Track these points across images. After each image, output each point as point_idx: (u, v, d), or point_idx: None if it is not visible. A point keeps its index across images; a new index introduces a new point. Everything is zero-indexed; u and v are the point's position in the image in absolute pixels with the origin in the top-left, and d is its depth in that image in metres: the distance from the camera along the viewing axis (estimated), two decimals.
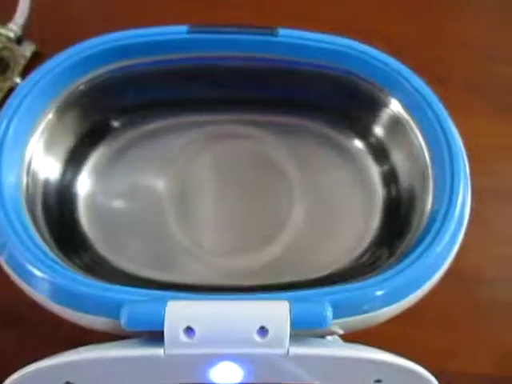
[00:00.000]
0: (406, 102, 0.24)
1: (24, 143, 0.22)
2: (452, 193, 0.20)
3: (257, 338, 0.17)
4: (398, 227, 0.23)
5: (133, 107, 0.26)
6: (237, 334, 0.17)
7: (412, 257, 0.20)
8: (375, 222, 0.24)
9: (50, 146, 0.23)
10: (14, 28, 0.35)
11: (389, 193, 0.25)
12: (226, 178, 0.26)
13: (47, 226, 0.21)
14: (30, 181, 0.22)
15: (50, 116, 0.23)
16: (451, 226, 0.20)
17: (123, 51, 0.24)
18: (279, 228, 0.25)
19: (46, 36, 0.37)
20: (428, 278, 0.20)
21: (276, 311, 0.17)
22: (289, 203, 0.25)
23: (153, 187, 0.25)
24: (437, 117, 0.22)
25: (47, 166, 0.23)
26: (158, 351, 0.17)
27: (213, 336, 0.17)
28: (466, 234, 0.21)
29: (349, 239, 0.24)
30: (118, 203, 0.25)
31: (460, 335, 0.28)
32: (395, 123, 0.24)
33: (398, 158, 0.25)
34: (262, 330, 0.17)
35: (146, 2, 0.38)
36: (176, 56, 0.24)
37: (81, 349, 0.17)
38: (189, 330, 0.17)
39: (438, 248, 0.20)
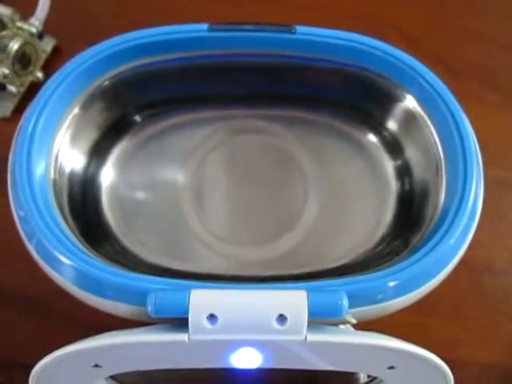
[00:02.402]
0: (421, 98, 0.24)
1: (52, 137, 0.23)
2: (465, 186, 0.21)
3: (276, 326, 0.18)
4: (411, 219, 0.24)
5: (154, 102, 0.27)
6: (257, 321, 0.18)
7: (425, 249, 0.21)
8: (389, 214, 0.25)
9: (75, 139, 0.24)
10: (35, 23, 0.36)
11: (402, 186, 0.25)
12: (243, 171, 0.26)
13: (72, 216, 0.22)
14: (57, 172, 0.23)
15: (76, 110, 0.24)
16: (464, 218, 0.21)
17: (146, 48, 0.24)
18: (295, 220, 0.25)
19: (66, 31, 0.38)
20: (440, 270, 0.21)
21: (294, 300, 0.18)
22: (304, 196, 0.26)
23: (172, 180, 0.26)
24: (450, 112, 0.23)
25: (73, 158, 0.24)
26: (183, 337, 0.18)
27: (234, 323, 0.18)
28: (479, 226, 0.22)
29: (363, 231, 0.25)
30: (139, 195, 0.25)
31: (470, 325, 0.29)
32: (410, 118, 0.25)
33: (411, 153, 0.25)
34: (281, 318, 0.18)
35: None
36: (196, 53, 0.25)
37: (108, 334, 0.18)
38: (212, 318, 0.18)
39: (451, 240, 0.21)
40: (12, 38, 0.34)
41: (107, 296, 0.19)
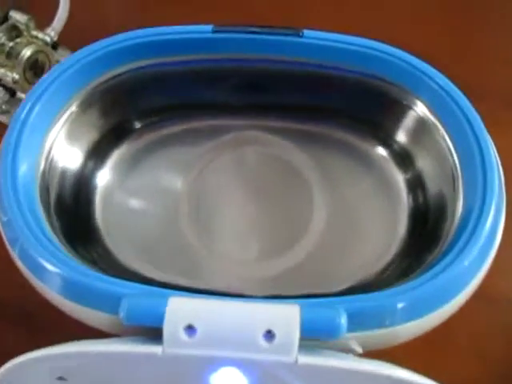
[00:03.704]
0: (433, 103, 0.22)
1: (45, 130, 0.22)
2: (484, 198, 0.19)
3: (262, 343, 0.16)
4: (425, 236, 0.21)
5: (155, 109, 0.25)
6: (241, 336, 0.16)
7: (438, 267, 0.18)
8: (401, 231, 0.23)
9: (72, 137, 0.23)
10: (51, 33, 0.36)
11: (415, 200, 0.23)
12: (245, 184, 0.25)
13: (58, 213, 0.21)
14: (47, 168, 0.22)
15: (74, 108, 0.23)
16: (483, 234, 0.18)
17: (147, 48, 0.23)
18: (299, 237, 0.23)
19: (82, 43, 0.38)
20: (456, 293, 0.19)
21: (285, 314, 0.16)
22: (310, 212, 0.24)
23: (170, 189, 0.24)
24: (466, 117, 0.21)
25: (68, 155, 0.23)
26: (156, 349, 0.16)
27: (215, 336, 0.16)
28: (500, 252, 0.20)
29: (373, 249, 0.23)
30: (135, 202, 0.24)
31: (492, 364, 0.26)
32: (420, 126, 0.23)
33: (423, 163, 0.23)
34: (269, 335, 0.16)
35: (178, 12, 0.38)
36: (199, 57, 0.24)
37: (75, 342, 0.16)
38: (190, 329, 0.16)
39: (468, 259, 0.18)
40: (26, 45, 0.34)
41: (80, 300, 0.17)
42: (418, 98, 0.23)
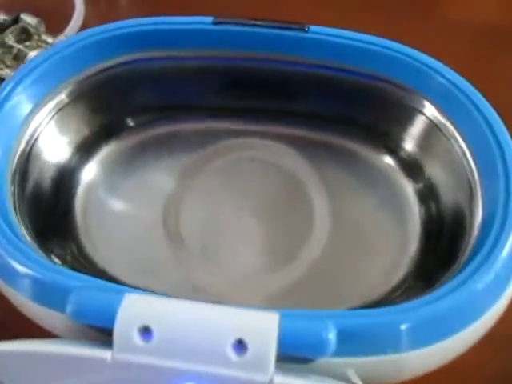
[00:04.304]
0: (443, 104, 0.20)
1: (27, 112, 0.20)
2: (507, 209, 0.16)
3: (231, 355, 0.13)
4: (440, 253, 0.19)
5: (148, 107, 0.24)
6: (205, 344, 0.13)
7: (451, 285, 0.16)
8: (412, 247, 0.20)
9: (61, 127, 0.22)
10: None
11: (427, 212, 0.21)
12: (241, 193, 0.22)
13: (32, 204, 0.19)
14: (26, 153, 0.20)
15: (63, 97, 0.22)
16: (505, 248, 0.16)
17: (143, 38, 0.22)
18: (297, 252, 0.21)
19: None
20: (472, 318, 0.16)
21: (260, 322, 0.13)
22: (310, 225, 0.21)
23: (159, 193, 0.22)
24: (483, 117, 0.18)
25: (53, 146, 0.21)
26: (105, 354, 0.13)
27: (174, 342, 0.13)
28: None
29: (380, 268, 0.20)
30: (119, 203, 0.22)
31: None
32: (430, 131, 0.21)
33: (435, 171, 0.21)
34: (240, 345, 0.13)
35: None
36: (197, 53, 0.22)
37: (15, 341, 0.14)
38: (145, 332, 0.13)
39: (486, 277, 0.15)
40: (34, 48, 0.33)
41: (23, 293, 0.15)
42: (426, 99, 0.21)
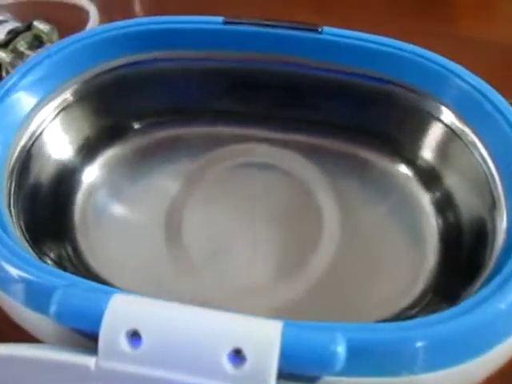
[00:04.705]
0: (462, 109, 0.19)
1: (30, 107, 0.19)
2: None
3: (227, 366, 0.12)
4: (461, 265, 0.17)
5: (155, 110, 0.23)
6: (199, 353, 0.12)
7: (475, 299, 0.14)
8: (430, 260, 0.19)
9: (65, 126, 0.21)
10: None
11: (445, 223, 0.19)
12: (248, 202, 0.21)
13: (29, 201, 0.18)
14: (28, 148, 0.19)
15: (68, 95, 0.21)
16: None
17: (152, 37, 0.21)
18: (304, 265, 0.20)
19: None
20: (497, 339, 0.14)
21: (260, 330, 0.12)
22: (319, 237, 0.20)
23: (162, 199, 0.21)
24: (506, 120, 0.17)
25: (57, 144, 0.21)
26: (88, 361, 0.12)
27: (164, 350, 0.12)
28: None
29: (395, 284, 0.19)
30: (120, 207, 0.21)
31: None
32: (447, 137, 0.20)
33: (452, 180, 0.20)
34: (237, 356, 0.12)
35: None
36: (207, 54, 0.22)
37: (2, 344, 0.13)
38: (133, 337, 0.12)
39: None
40: None
41: (6, 291, 0.14)
42: (443, 104, 0.20)
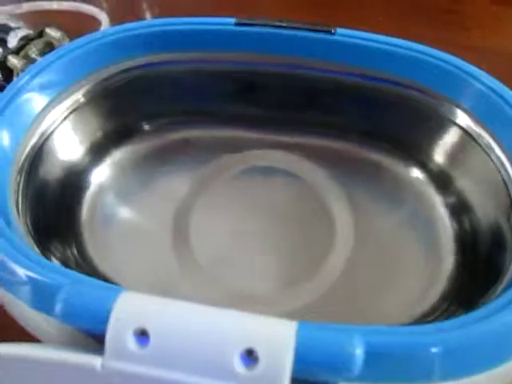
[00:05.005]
0: (478, 112, 0.19)
1: (41, 107, 0.19)
2: None
3: (238, 368, 0.11)
4: (480, 269, 0.17)
5: (166, 112, 0.23)
6: (208, 352, 0.11)
7: (496, 304, 0.13)
8: (447, 264, 0.18)
9: (76, 126, 0.21)
10: None
11: (461, 226, 0.19)
12: (257, 207, 0.21)
13: (35, 199, 0.18)
14: (38, 147, 0.19)
15: (80, 96, 0.21)
16: None
17: (164, 39, 0.21)
18: (316, 271, 0.19)
19: None
20: None
21: (274, 330, 0.11)
22: (331, 242, 0.20)
23: (169, 203, 0.21)
24: None
25: (67, 144, 0.20)
26: (94, 361, 0.11)
27: (172, 350, 0.11)
28: None
29: (410, 290, 0.18)
30: (128, 209, 0.21)
31: None
32: (462, 141, 0.19)
33: (468, 183, 0.19)
34: (249, 357, 0.11)
35: None
36: (217, 56, 0.21)
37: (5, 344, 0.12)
38: (141, 336, 0.11)
39: None
40: None
41: (11, 290, 0.13)
42: (458, 107, 0.19)
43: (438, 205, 0.20)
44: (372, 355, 0.12)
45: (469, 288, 0.17)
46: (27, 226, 0.17)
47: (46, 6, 0.38)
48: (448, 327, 0.13)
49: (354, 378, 0.12)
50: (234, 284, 0.19)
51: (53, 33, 0.34)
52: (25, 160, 0.18)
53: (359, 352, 0.12)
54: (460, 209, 0.19)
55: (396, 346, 0.13)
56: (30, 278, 0.13)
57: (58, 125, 0.20)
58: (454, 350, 0.13)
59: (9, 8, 0.38)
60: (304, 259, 0.20)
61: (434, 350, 0.13)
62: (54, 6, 0.39)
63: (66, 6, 0.38)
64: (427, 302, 0.18)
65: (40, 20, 0.36)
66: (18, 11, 0.38)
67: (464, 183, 0.19)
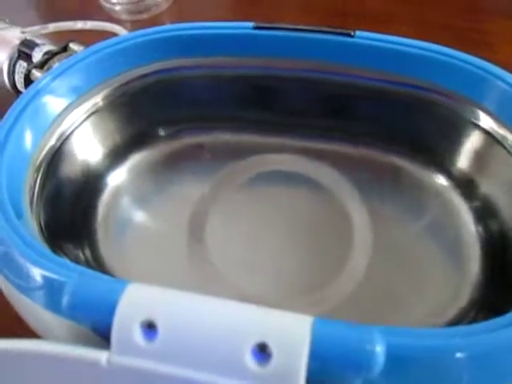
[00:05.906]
0: (502, 114, 0.18)
1: (61, 109, 0.19)
2: None
3: (250, 364, 0.10)
4: (507, 278, 0.16)
5: (182, 118, 0.22)
6: (219, 347, 0.11)
7: None
8: (473, 271, 0.17)
9: (94, 128, 0.21)
10: None
11: (487, 232, 0.18)
12: (275, 214, 0.20)
13: (51, 200, 0.18)
14: (56, 148, 0.19)
15: (99, 99, 0.21)
16: None
17: (182, 44, 0.21)
18: (335, 279, 0.18)
19: None
20: None
21: (289, 324, 0.11)
22: (350, 250, 0.19)
23: (185, 208, 0.20)
24: None
25: (85, 146, 0.20)
26: (99, 356, 0.11)
27: (181, 344, 0.11)
28: None
29: (435, 299, 0.17)
30: (143, 213, 0.20)
31: None
32: (486, 144, 0.19)
33: (493, 187, 0.18)
34: (262, 353, 0.11)
35: None
36: (238, 60, 0.21)
37: (15, 340, 0.12)
38: (149, 329, 0.11)
39: None
40: None
41: (18, 284, 0.13)
42: (481, 109, 0.19)
43: (463, 210, 0.19)
44: (393, 356, 0.11)
45: (498, 295, 0.16)
46: (39, 224, 0.16)
47: (71, 25, 0.39)
48: (475, 331, 0.12)
49: (373, 378, 0.11)
50: (250, 289, 0.18)
51: (76, 47, 0.34)
52: (42, 160, 0.18)
53: (380, 349, 0.11)
54: (486, 213, 0.18)
55: (419, 348, 0.12)
56: (37, 271, 0.13)
57: (77, 127, 0.20)
58: (482, 355, 0.12)
59: (36, 28, 0.39)
60: (321, 266, 0.19)
61: (459, 354, 0.12)
62: (79, 25, 0.39)
63: (90, 25, 0.39)
64: (453, 311, 0.17)
65: (64, 39, 0.37)
66: (45, 31, 0.39)
67: (489, 187, 0.19)
